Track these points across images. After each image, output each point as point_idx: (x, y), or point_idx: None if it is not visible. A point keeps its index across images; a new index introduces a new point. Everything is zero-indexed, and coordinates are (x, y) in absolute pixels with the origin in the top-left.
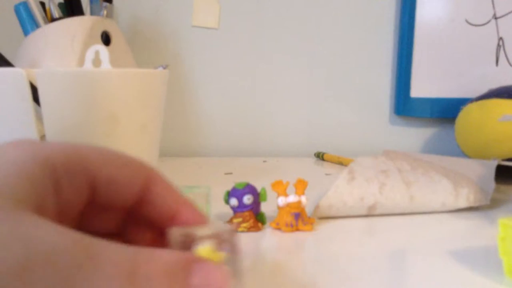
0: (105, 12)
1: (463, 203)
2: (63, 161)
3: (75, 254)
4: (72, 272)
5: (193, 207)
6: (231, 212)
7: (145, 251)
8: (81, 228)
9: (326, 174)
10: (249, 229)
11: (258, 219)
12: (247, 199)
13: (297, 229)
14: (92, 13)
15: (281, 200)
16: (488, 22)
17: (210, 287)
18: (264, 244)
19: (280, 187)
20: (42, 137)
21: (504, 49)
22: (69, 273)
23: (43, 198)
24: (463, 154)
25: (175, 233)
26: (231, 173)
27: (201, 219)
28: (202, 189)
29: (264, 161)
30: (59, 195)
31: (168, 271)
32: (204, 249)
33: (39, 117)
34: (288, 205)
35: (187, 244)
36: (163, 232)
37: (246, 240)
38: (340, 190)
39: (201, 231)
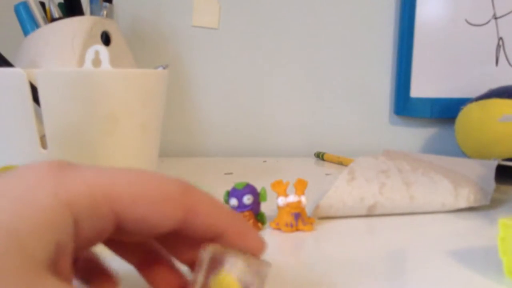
0: (105, 12)
1: (463, 203)
2: (87, 205)
3: None
4: None
5: (243, 227)
6: None
7: None
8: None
9: (326, 174)
10: None
11: (258, 219)
12: (247, 199)
13: (297, 229)
14: (92, 13)
15: (281, 200)
16: (488, 22)
17: None
18: None
19: (280, 187)
20: (42, 137)
21: (504, 49)
22: None
23: (62, 247)
24: (463, 154)
25: (207, 252)
26: (231, 173)
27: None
28: (204, 188)
29: (264, 161)
30: (78, 237)
31: None
32: (224, 276)
33: (39, 117)
34: (288, 205)
35: (215, 264)
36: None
37: None
38: (340, 190)
39: (234, 255)
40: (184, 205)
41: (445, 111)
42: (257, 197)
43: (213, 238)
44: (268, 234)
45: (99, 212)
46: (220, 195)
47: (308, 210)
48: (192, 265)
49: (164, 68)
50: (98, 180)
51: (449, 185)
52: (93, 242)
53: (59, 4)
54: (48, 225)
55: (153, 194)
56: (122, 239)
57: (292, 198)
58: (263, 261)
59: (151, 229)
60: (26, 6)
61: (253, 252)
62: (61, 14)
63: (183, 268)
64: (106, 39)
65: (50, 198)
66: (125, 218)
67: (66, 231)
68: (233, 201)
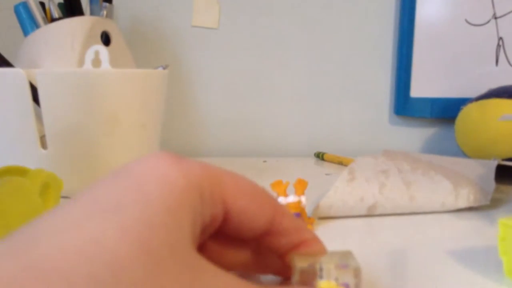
0: (105, 12)
1: (463, 203)
2: (208, 188)
3: None
4: None
5: (317, 239)
6: None
7: None
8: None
9: (326, 174)
10: None
11: None
12: None
13: None
14: (92, 13)
15: (281, 200)
16: (488, 22)
17: None
18: None
19: (280, 187)
20: (42, 137)
21: (504, 49)
22: None
23: (197, 227)
24: (463, 154)
25: (299, 262)
26: None
27: (323, 251)
28: None
29: (264, 161)
30: (203, 219)
31: None
32: (326, 283)
33: (39, 117)
34: (288, 205)
35: (311, 274)
36: (285, 262)
37: None
38: (340, 190)
39: (325, 261)
40: (273, 204)
41: (445, 111)
42: None
43: (294, 245)
44: None
45: (214, 197)
46: None
47: (308, 210)
48: (276, 272)
49: (164, 68)
50: (211, 168)
51: (449, 185)
52: (208, 232)
53: (59, 4)
54: (188, 203)
55: (252, 190)
56: (228, 234)
57: (292, 198)
58: (345, 252)
59: (250, 223)
60: (26, 6)
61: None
62: (61, 14)
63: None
64: (106, 39)
65: (182, 179)
66: (231, 208)
67: (198, 210)
68: None
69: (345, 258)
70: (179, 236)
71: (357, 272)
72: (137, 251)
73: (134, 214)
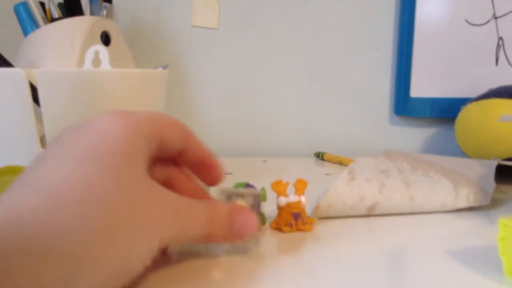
0: (105, 12)
1: (463, 203)
2: (151, 130)
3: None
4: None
5: (214, 158)
6: None
7: (213, 204)
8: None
9: (326, 174)
10: None
11: None
12: None
13: (297, 229)
14: (92, 13)
15: (281, 200)
16: (487, 22)
17: (247, 226)
18: (264, 244)
19: (280, 187)
20: (42, 137)
21: (504, 49)
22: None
23: (146, 157)
24: (463, 154)
25: (222, 191)
26: (231, 173)
27: (215, 164)
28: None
29: (264, 161)
30: (149, 153)
31: (227, 215)
32: (241, 202)
33: (39, 117)
34: (288, 205)
35: (230, 198)
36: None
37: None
38: (340, 190)
39: (238, 191)
40: (185, 130)
41: (445, 111)
42: None
43: (199, 163)
44: (268, 234)
45: (155, 135)
46: None
47: (308, 210)
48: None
49: (164, 68)
50: (151, 116)
51: (449, 185)
52: (151, 160)
53: (59, 4)
54: (136, 143)
55: (172, 124)
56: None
57: (292, 198)
58: (254, 191)
59: (173, 144)
60: (26, 6)
61: (218, 177)
62: (61, 14)
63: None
64: (106, 39)
65: (129, 128)
66: (164, 140)
67: (144, 147)
68: None
69: (251, 191)
70: (134, 165)
71: (256, 196)
72: (108, 175)
73: (102, 157)
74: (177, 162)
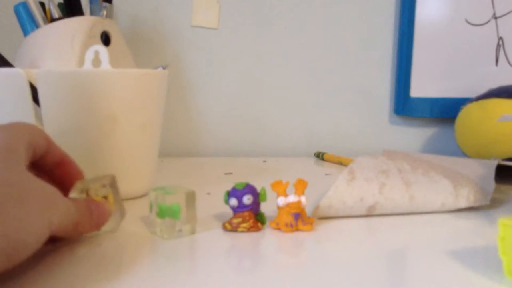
0: (104, 12)
1: (463, 203)
2: (28, 139)
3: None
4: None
5: (72, 161)
6: (231, 212)
7: (74, 197)
8: None
9: (326, 174)
10: (249, 229)
11: (258, 219)
12: (247, 199)
13: (297, 229)
14: (92, 13)
15: (281, 200)
16: (487, 22)
17: (102, 215)
18: (264, 244)
19: (280, 187)
20: None
21: (504, 49)
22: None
23: (26, 156)
24: (463, 154)
25: (78, 185)
26: (231, 173)
27: (79, 173)
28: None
29: (264, 161)
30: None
31: (86, 204)
32: (94, 194)
33: (38, 117)
34: (288, 205)
35: (84, 192)
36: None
37: (246, 240)
38: (340, 190)
39: (92, 183)
40: (46, 137)
41: (445, 111)
42: (257, 197)
43: (59, 161)
44: (268, 234)
45: (31, 142)
46: (220, 195)
47: (308, 210)
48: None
49: (164, 68)
50: (32, 129)
51: (449, 185)
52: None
53: (59, 4)
54: (18, 149)
55: (40, 131)
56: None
57: (292, 198)
58: (108, 177)
59: (41, 150)
60: (26, 6)
61: (78, 173)
62: (60, 14)
63: None
64: (106, 39)
65: (13, 140)
66: (36, 147)
67: (24, 150)
68: (233, 201)
69: (104, 179)
70: (18, 159)
71: (112, 182)
72: None
73: None
74: (40, 168)
